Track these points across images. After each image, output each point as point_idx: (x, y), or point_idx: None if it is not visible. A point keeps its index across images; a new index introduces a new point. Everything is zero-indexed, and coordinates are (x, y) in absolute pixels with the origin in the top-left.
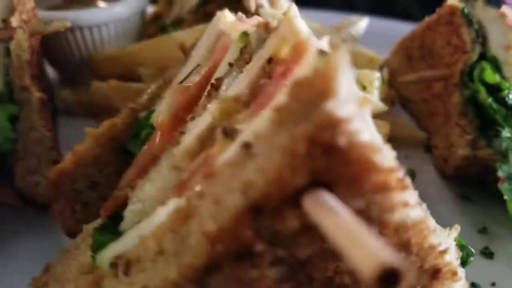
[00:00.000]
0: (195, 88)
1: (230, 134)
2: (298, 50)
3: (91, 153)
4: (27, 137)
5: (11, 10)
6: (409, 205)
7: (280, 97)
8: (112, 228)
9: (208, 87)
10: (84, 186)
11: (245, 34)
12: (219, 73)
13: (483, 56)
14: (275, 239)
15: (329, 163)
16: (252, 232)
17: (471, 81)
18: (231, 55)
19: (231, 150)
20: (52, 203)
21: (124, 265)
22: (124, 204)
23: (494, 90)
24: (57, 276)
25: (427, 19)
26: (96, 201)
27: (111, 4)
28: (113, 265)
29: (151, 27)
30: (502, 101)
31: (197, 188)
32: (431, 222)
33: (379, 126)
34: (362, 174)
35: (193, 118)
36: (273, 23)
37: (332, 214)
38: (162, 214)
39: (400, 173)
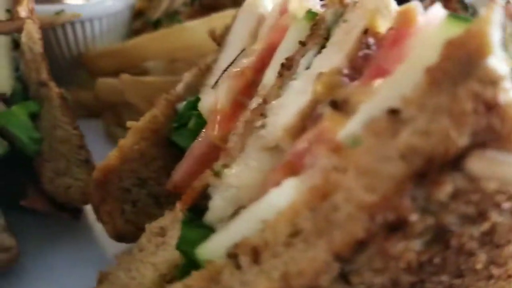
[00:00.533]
0: (250, 72)
1: (341, 106)
2: (407, 18)
3: (137, 147)
4: (52, 136)
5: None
6: None
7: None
8: (197, 220)
9: (278, 68)
10: (132, 183)
11: (311, 12)
12: (284, 52)
13: None
14: (427, 206)
15: (488, 121)
16: (410, 200)
17: None
18: (299, 33)
19: (358, 121)
20: (99, 204)
21: (250, 253)
22: (202, 195)
23: None
24: (121, 284)
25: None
26: (145, 199)
27: None
28: (232, 255)
29: (135, 22)
30: None
31: (325, 163)
32: None
33: None
34: None
35: (265, 101)
36: None
37: None
38: (282, 195)
39: None
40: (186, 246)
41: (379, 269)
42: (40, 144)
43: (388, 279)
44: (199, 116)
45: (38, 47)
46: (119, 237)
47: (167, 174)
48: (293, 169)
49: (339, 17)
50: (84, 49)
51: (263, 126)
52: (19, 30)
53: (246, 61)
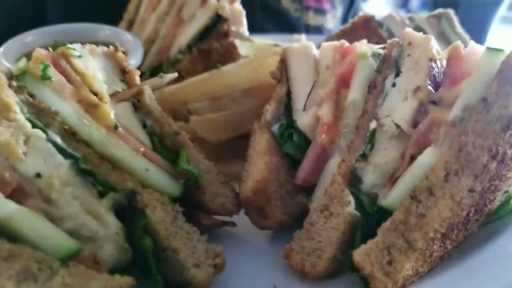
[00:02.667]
0: (335, 93)
1: (438, 103)
2: (457, 50)
3: (273, 161)
4: (199, 170)
5: (121, 69)
6: None
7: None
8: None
9: (360, 89)
10: (277, 186)
11: (377, 52)
12: (361, 79)
13: None
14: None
15: None
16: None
17: None
18: (369, 66)
19: (457, 108)
20: (265, 205)
21: (425, 191)
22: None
23: None
24: (311, 249)
25: (341, 27)
26: (285, 195)
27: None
28: (413, 196)
29: None
30: None
31: (450, 133)
32: None
33: None
34: None
35: (366, 111)
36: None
37: None
38: (428, 156)
39: None
40: (362, 207)
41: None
42: (202, 176)
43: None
44: (299, 131)
45: (158, 106)
46: (280, 226)
47: (290, 175)
48: (422, 143)
49: (401, 53)
50: None
51: (382, 125)
52: (138, 95)
53: (323, 89)
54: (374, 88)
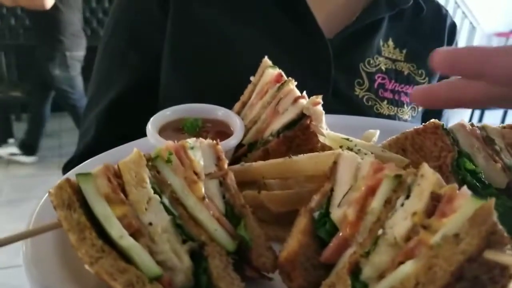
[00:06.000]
0: (362, 199)
1: (427, 228)
2: (453, 190)
3: (305, 239)
4: (253, 235)
5: (217, 157)
6: None
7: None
8: (355, 279)
9: (380, 202)
10: (304, 259)
11: (399, 175)
12: (382, 193)
13: (460, 153)
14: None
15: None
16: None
17: (460, 170)
18: (391, 185)
19: (438, 236)
20: (291, 271)
21: None
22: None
23: (472, 174)
24: None
25: (416, 127)
26: (309, 267)
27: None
28: None
29: None
30: (481, 181)
31: (428, 254)
32: None
33: None
34: None
35: (380, 219)
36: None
37: None
38: (408, 267)
39: None
40: None
41: None
42: (252, 241)
43: None
44: (332, 221)
45: (235, 185)
46: None
47: (317, 253)
48: (409, 255)
49: (414, 181)
50: None
51: (385, 233)
52: (224, 175)
53: (355, 193)
54: (389, 204)
